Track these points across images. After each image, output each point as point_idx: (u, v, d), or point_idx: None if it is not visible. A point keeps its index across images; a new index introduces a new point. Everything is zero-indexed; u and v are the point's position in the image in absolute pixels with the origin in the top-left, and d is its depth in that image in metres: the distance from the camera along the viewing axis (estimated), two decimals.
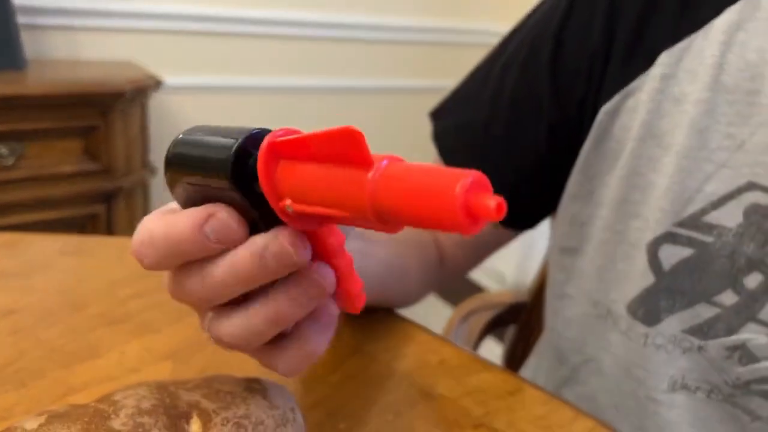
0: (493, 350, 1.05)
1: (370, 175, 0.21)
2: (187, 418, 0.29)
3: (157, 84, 1.52)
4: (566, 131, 0.51)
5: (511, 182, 0.54)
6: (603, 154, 0.50)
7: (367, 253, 0.42)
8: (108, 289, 0.53)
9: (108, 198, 1.47)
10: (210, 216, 0.25)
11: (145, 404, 0.29)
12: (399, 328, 0.51)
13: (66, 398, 0.40)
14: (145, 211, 1.57)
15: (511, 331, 0.92)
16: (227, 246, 0.25)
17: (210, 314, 0.28)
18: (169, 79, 1.65)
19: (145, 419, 0.28)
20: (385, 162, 0.21)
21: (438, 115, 0.59)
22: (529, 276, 2.14)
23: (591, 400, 0.55)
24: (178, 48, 1.79)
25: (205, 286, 0.26)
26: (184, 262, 0.27)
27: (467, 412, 0.42)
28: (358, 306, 0.28)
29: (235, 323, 0.27)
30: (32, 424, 0.27)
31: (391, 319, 0.52)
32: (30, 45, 1.55)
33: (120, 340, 0.46)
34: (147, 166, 1.57)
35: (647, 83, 0.46)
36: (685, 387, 0.48)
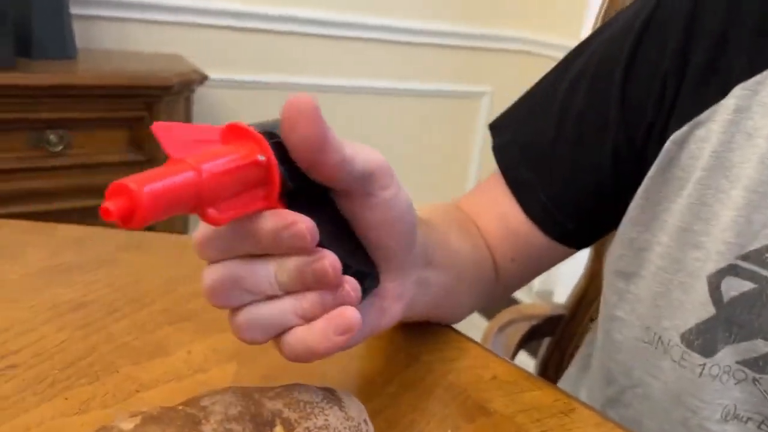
0: (525, 363, 1.05)
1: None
2: (271, 427, 0.30)
3: (202, 78, 1.54)
4: (632, 155, 0.52)
5: (573, 200, 0.54)
6: (668, 181, 0.50)
7: (429, 282, 0.43)
8: (167, 287, 0.54)
9: None
10: (292, 224, 0.29)
11: (233, 411, 0.30)
12: (453, 341, 0.52)
13: (138, 394, 0.41)
14: None
15: (545, 344, 0.92)
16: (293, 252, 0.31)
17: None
18: (214, 73, 1.68)
19: (234, 426, 0.29)
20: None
21: (499, 128, 0.60)
22: (555, 286, 2.13)
23: (636, 424, 0.56)
24: (223, 43, 1.82)
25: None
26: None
27: (523, 429, 0.43)
28: None
29: (268, 311, 0.31)
30: (128, 425, 0.29)
31: (445, 331, 0.53)
32: (81, 35, 1.58)
33: (186, 339, 0.47)
34: None
35: (720, 113, 0.46)
36: (736, 417, 0.49)
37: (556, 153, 0.54)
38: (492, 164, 0.59)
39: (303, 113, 0.28)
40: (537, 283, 2.18)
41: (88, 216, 0.72)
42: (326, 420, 0.31)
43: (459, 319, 0.54)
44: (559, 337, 0.89)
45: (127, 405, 0.40)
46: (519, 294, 2.31)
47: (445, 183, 2.37)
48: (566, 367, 0.88)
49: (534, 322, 0.84)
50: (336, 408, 0.32)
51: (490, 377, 0.48)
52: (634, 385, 0.55)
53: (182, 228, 1.61)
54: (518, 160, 0.56)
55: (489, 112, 2.44)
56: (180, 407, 0.31)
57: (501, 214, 0.56)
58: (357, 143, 0.32)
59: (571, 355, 0.89)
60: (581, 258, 1.50)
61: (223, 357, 0.46)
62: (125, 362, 0.44)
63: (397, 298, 0.37)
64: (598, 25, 0.78)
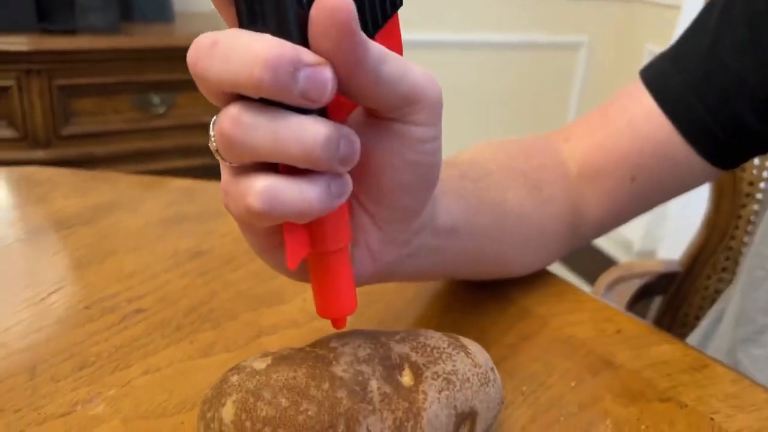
0: None
1: None
2: (400, 370, 0.30)
3: None
4: None
5: (732, 111, 0.48)
6: None
7: (439, 249, 0.38)
8: None
9: None
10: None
11: (362, 353, 0.30)
12: (567, 293, 0.50)
13: (259, 340, 0.42)
14: None
15: (657, 303, 0.88)
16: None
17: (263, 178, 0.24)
18: None
19: (364, 368, 0.29)
20: None
21: (651, 68, 0.54)
22: (658, 244, 2.04)
23: None
24: None
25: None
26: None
27: (652, 384, 0.40)
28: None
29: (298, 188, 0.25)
30: (260, 364, 0.29)
31: (556, 282, 0.51)
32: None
33: (301, 288, 0.47)
34: None
35: None
36: None
37: (717, 59, 0.48)
38: None
39: (335, 21, 0.22)
40: (638, 242, 2.10)
41: (189, 176, 0.74)
42: (454, 366, 0.31)
43: (510, 276, 0.50)
44: (672, 296, 0.84)
45: (249, 350, 0.41)
46: (614, 250, 2.22)
47: None
48: (679, 328, 0.84)
49: (645, 280, 0.80)
50: (462, 354, 0.31)
51: (614, 331, 0.46)
52: None
53: None
54: (668, 70, 0.50)
55: (586, 64, 2.33)
56: (307, 348, 0.31)
57: (629, 122, 0.49)
58: (414, 64, 0.26)
59: (685, 315, 0.85)
60: (690, 215, 1.42)
61: None
62: (244, 309, 0.45)
63: (374, 256, 0.32)
64: None
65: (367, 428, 0.28)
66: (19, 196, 0.60)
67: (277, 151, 0.24)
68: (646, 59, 2.06)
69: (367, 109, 0.28)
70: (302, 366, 0.29)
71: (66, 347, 0.40)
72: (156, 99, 1.38)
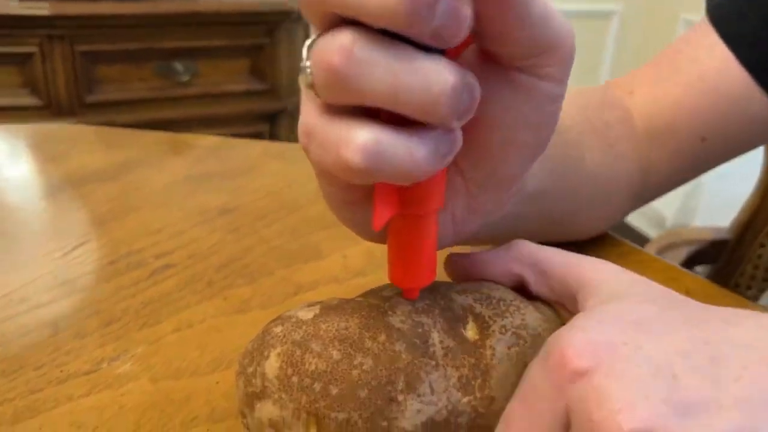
0: None
1: None
2: (464, 323, 0.26)
3: None
4: None
5: None
6: None
7: (519, 215, 0.34)
8: (318, 193, 0.51)
9: (272, 118, 1.50)
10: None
11: (420, 303, 0.26)
12: (632, 254, 0.46)
13: (297, 296, 0.39)
14: None
15: (706, 271, 0.84)
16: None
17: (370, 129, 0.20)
18: None
19: (423, 319, 0.26)
20: None
21: (721, 7, 0.48)
22: (692, 220, 1.98)
23: None
24: None
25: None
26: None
27: None
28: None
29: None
30: (306, 314, 0.26)
31: (623, 244, 0.47)
32: None
33: (341, 244, 0.44)
34: None
35: None
36: None
37: None
38: None
39: None
40: (671, 218, 2.04)
41: None
42: (523, 320, 0.27)
43: (578, 237, 0.46)
44: (722, 264, 0.80)
45: (287, 306, 0.37)
46: (645, 226, 2.17)
47: None
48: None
49: (694, 248, 0.76)
50: (531, 308, 0.28)
51: (683, 291, 0.42)
52: None
53: None
54: (741, 9, 0.45)
55: (618, 35, 2.26)
56: (359, 298, 0.27)
57: (701, 77, 0.45)
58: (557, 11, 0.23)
59: (736, 285, 0.80)
60: (727, 188, 1.36)
61: (383, 262, 0.43)
62: (280, 265, 0.42)
63: (456, 225, 0.29)
64: None
65: (430, 385, 0.24)
66: (42, 153, 0.57)
67: (395, 98, 0.20)
68: (680, 30, 1.98)
69: (490, 55, 0.23)
70: (354, 316, 0.25)
71: (91, 303, 0.37)
72: (179, 67, 1.35)
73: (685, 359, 0.21)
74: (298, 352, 0.24)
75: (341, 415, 0.23)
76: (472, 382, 0.25)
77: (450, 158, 0.22)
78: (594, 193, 0.42)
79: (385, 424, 0.23)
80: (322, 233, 0.45)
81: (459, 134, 0.22)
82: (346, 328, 0.25)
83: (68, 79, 1.27)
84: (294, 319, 0.25)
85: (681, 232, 0.78)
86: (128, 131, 0.62)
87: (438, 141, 0.21)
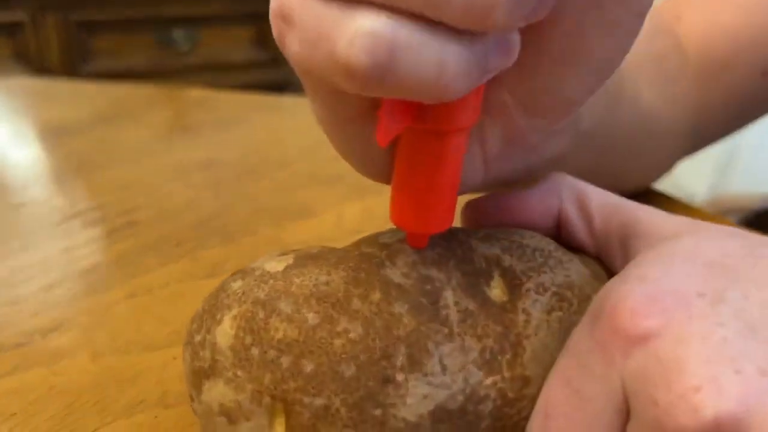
0: None
1: None
2: (487, 279, 0.19)
3: None
4: None
5: None
6: None
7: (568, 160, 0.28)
8: (311, 148, 0.45)
9: (278, 89, 1.43)
10: None
11: (430, 252, 0.20)
12: (679, 209, 0.39)
13: None
14: None
15: None
16: None
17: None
18: None
19: (434, 272, 0.19)
20: None
21: None
22: (727, 197, 1.89)
23: None
24: None
25: None
26: None
27: None
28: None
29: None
30: (276, 265, 0.19)
31: (669, 200, 0.40)
32: None
33: (334, 200, 0.38)
34: None
35: None
36: None
37: None
38: None
39: None
40: (701, 195, 1.94)
41: None
42: (568, 276, 0.20)
43: (622, 189, 0.38)
44: None
45: None
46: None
47: None
48: None
49: (740, 216, 0.68)
50: (578, 261, 0.21)
51: None
52: None
53: None
54: None
55: None
56: (349, 247, 0.21)
57: (757, 0, 0.38)
58: None
59: None
60: (762, 167, 1.29)
61: (382, 221, 0.36)
62: (264, 223, 0.35)
63: (488, 161, 0.22)
64: None
65: (440, 361, 0.18)
66: (7, 107, 0.51)
67: None
68: None
69: None
70: (339, 268, 0.19)
71: (32, 264, 0.31)
72: (179, 36, 1.29)
73: None
74: (261, 315, 0.18)
75: (318, 401, 0.17)
76: (499, 358, 0.18)
77: (497, 71, 0.15)
78: (648, 136, 0.35)
79: (378, 412, 0.17)
80: (314, 190, 0.39)
81: (516, 39, 0.15)
82: (328, 283, 0.18)
83: (62, 50, 1.21)
84: (259, 272, 0.19)
85: (725, 198, 0.71)
86: (106, 85, 0.56)
87: (484, 49, 0.14)
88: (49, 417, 0.22)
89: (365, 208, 0.37)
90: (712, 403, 0.14)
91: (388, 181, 0.20)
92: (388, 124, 0.16)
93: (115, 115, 0.49)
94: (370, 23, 0.13)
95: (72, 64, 1.23)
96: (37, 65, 1.21)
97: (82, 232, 0.34)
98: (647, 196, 0.40)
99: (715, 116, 0.40)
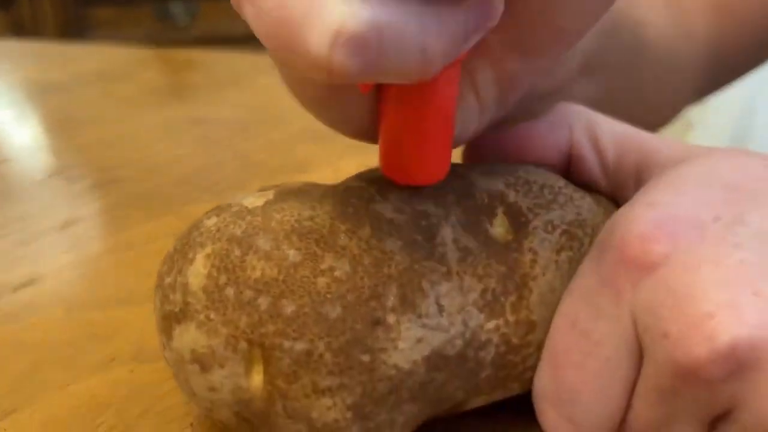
0: None
1: None
2: (490, 216, 0.18)
3: None
4: None
5: None
6: None
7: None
8: None
9: None
10: None
11: (427, 187, 0.18)
12: None
13: None
14: None
15: None
16: None
17: None
18: None
19: (430, 207, 0.17)
20: None
21: None
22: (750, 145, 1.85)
23: None
24: None
25: None
26: None
27: None
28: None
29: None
30: (255, 200, 0.17)
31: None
32: None
33: (331, 156, 0.36)
34: None
35: None
36: None
37: None
38: None
39: None
40: None
41: None
42: (579, 213, 0.18)
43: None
44: None
45: None
46: None
47: None
48: None
49: None
50: (589, 198, 0.19)
51: None
52: None
53: None
54: None
55: None
56: (338, 184, 0.19)
57: None
58: None
59: None
60: None
61: None
62: (257, 180, 0.34)
63: (482, 104, 0.19)
64: None
65: (437, 301, 0.16)
66: None
67: None
68: None
69: None
70: (325, 202, 0.17)
71: (8, 221, 0.29)
72: (178, 8, 1.26)
73: None
74: (237, 252, 0.16)
75: (299, 345, 0.15)
76: (502, 300, 0.16)
77: (480, 37, 0.13)
78: (657, 65, 0.33)
79: (366, 358, 0.15)
80: (310, 147, 0.37)
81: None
82: (311, 219, 0.16)
83: (58, 22, 1.18)
84: (236, 208, 0.17)
85: None
86: (95, 46, 0.54)
87: (465, 17, 0.12)
88: (14, 373, 0.20)
89: (362, 162, 0.35)
90: (728, 329, 0.12)
91: (372, 140, 0.18)
92: None
93: (103, 75, 0.47)
94: (351, 18, 0.11)
95: (68, 38, 1.21)
96: (33, 38, 1.19)
97: (63, 188, 0.32)
98: None
99: (733, 52, 0.37)
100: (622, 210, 0.16)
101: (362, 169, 0.33)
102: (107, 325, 0.23)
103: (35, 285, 0.25)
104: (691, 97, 0.38)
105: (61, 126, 0.39)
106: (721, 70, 0.38)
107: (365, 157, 0.35)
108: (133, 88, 0.45)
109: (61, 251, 0.27)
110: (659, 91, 0.34)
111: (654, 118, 0.36)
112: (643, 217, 0.15)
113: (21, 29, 1.18)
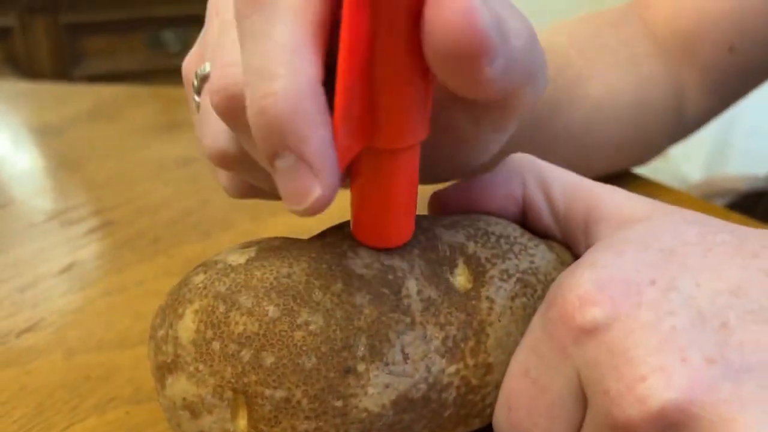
0: None
1: None
2: (451, 267, 0.19)
3: None
4: None
5: None
6: None
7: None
8: None
9: None
10: None
11: None
12: (662, 194, 0.39)
13: None
14: None
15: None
16: None
17: None
18: None
19: (396, 262, 0.19)
20: None
21: None
22: (715, 180, 1.88)
23: None
24: None
25: None
26: None
27: None
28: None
29: None
30: (238, 258, 0.19)
31: (649, 184, 0.40)
32: None
33: None
34: None
35: None
36: None
37: None
38: None
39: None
40: (696, 179, 1.94)
41: None
42: (532, 262, 0.20)
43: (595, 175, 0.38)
44: (759, 218, 0.72)
45: None
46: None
47: None
48: None
49: (728, 199, 0.68)
50: (544, 247, 0.21)
51: None
52: None
53: None
54: None
55: None
56: (313, 238, 0.21)
57: None
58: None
59: None
60: (758, 149, 1.28)
61: None
62: (243, 218, 0.35)
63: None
64: None
65: (403, 350, 0.18)
66: None
67: None
68: None
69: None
70: (301, 259, 0.19)
71: (8, 265, 0.31)
72: (170, 37, 1.28)
73: (739, 299, 0.15)
74: (222, 309, 0.17)
75: (279, 393, 0.17)
76: (461, 345, 0.18)
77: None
78: (617, 126, 0.35)
79: (339, 403, 0.17)
80: None
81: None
82: (289, 276, 0.18)
83: (52, 54, 1.20)
84: (221, 265, 0.19)
85: (713, 181, 0.71)
86: (88, 86, 0.55)
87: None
88: (19, 417, 0.22)
89: (346, 202, 0.37)
90: (658, 393, 0.14)
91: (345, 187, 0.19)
92: (344, 148, 0.16)
93: (96, 115, 0.49)
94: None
95: (63, 68, 1.22)
96: (27, 69, 1.20)
97: (59, 232, 0.33)
98: (631, 180, 0.40)
99: (695, 98, 0.39)
100: (569, 269, 0.17)
101: (344, 207, 0.36)
102: (103, 368, 0.24)
103: (35, 330, 0.26)
104: (659, 147, 0.40)
105: (56, 168, 0.41)
106: (686, 120, 0.40)
107: (347, 195, 0.37)
108: (124, 126, 0.47)
109: (58, 295, 0.28)
110: (618, 147, 0.36)
111: (626, 160, 0.38)
112: (584, 278, 0.16)
113: (16, 61, 1.20)
